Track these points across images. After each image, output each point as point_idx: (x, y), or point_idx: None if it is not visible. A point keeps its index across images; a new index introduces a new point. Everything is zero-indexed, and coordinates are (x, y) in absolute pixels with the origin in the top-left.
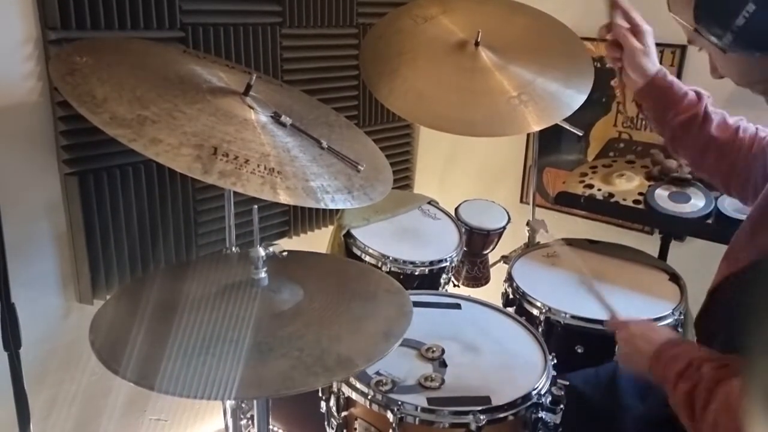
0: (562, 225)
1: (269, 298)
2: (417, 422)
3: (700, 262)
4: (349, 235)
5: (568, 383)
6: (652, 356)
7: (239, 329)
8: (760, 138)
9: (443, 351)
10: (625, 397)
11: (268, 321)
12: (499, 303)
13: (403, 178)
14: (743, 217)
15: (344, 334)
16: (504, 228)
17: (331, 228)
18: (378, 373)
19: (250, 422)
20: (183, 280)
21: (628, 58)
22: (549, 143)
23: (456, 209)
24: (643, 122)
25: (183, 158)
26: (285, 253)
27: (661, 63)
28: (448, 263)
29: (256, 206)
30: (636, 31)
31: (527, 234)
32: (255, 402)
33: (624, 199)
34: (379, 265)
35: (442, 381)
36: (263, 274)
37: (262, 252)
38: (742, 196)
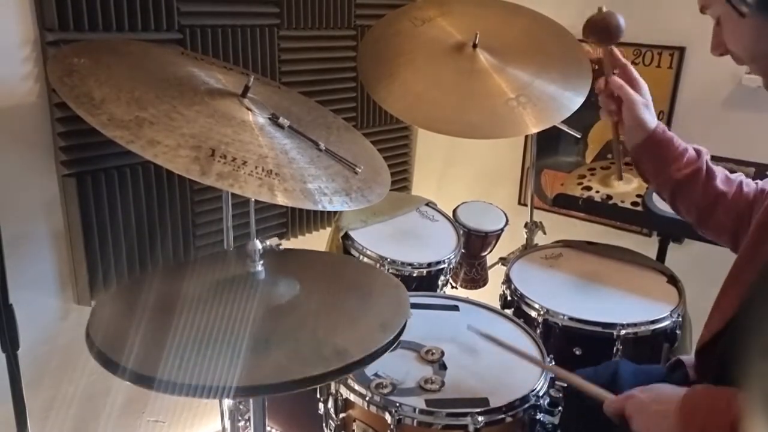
0: (560, 227)
1: (266, 293)
2: (415, 424)
3: (698, 265)
4: (347, 236)
5: (566, 385)
6: (684, 407)
7: (236, 324)
8: (759, 190)
9: (443, 353)
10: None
11: (265, 315)
12: (497, 305)
13: (401, 180)
14: None
15: (340, 326)
16: (502, 230)
17: (329, 230)
18: (378, 375)
19: (247, 424)
20: (181, 279)
21: (628, 111)
22: (547, 145)
23: (454, 211)
24: None
25: (181, 160)
26: (281, 246)
27: (660, 64)
28: (446, 265)
29: (252, 198)
30: (633, 85)
31: (525, 236)
32: (251, 402)
33: (622, 201)
34: (377, 266)
35: (442, 383)
36: (260, 268)
37: (258, 245)
38: None
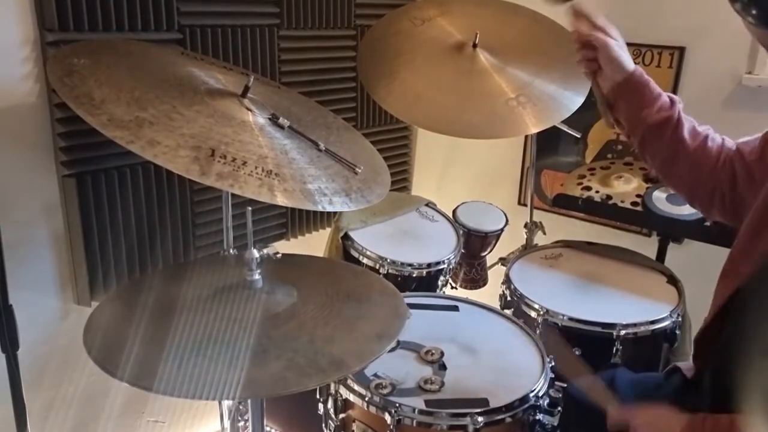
0: (560, 227)
1: (264, 300)
2: (415, 424)
3: (698, 264)
4: (346, 237)
5: (565, 385)
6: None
7: (234, 331)
8: (727, 148)
9: (443, 354)
10: (624, 404)
11: (263, 322)
12: (497, 305)
13: (400, 180)
14: None
15: (338, 335)
16: (502, 230)
17: (329, 230)
18: (377, 376)
19: (247, 424)
20: (179, 281)
21: (604, 53)
22: (547, 145)
23: (454, 211)
24: None
25: (181, 160)
26: (279, 255)
27: (660, 64)
28: (445, 265)
29: (249, 208)
30: (604, 32)
31: (525, 236)
32: (250, 403)
33: (622, 201)
34: (377, 267)
35: (442, 384)
36: (257, 276)
37: (256, 254)
38: (705, 207)
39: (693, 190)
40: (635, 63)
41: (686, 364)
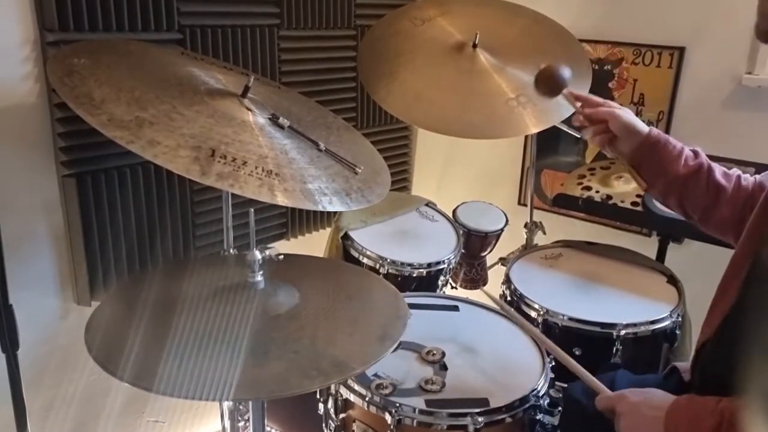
0: (560, 227)
1: (265, 301)
2: (415, 424)
3: (698, 264)
4: (346, 237)
5: (566, 385)
6: (667, 419)
7: (236, 331)
8: (761, 182)
9: (443, 354)
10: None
11: (265, 323)
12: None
13: (400, 180)
14: None
15: (339, 337)
16: (502, 230)
17: (329, 230)
18: (378, 376)
19: (247, 424)
20: (180, 280)
21: (615, 122)
22: (547, 145)
23: (454, 211)
24: None
25: (181, 160)
26: (281, 257)
27: (660, 64)
28: (445, 265)
29: (252, 209)
30: (605, 106)
31: (525, 236)
32: (250, 404)
33: (622, 201)
34: (377, 267)
35: (443, 384)
36: (259, 278)
37: (258, 255)
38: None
39: (740, 232)
40: (635, 63)
41: (685, 365)
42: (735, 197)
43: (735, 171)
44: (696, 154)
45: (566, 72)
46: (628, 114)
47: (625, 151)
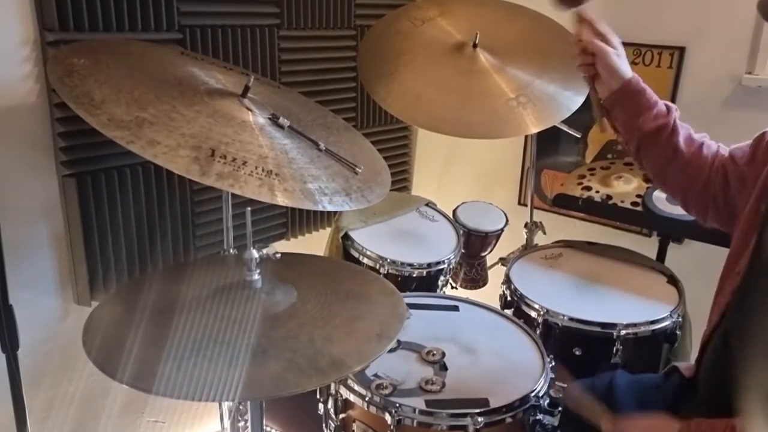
0: (560, 227)
1: (263, 300)
2: (415, 424)
3: (698, 265)
4: (347, 237)
5: (566, 385)
6: None
7: (234, 331)
8: (721, 155)
9: (444, 354)
10: (623, 407)
11: (262, 323)
12: (497, 305)
13: (401, 180)
14: None
15: (337, 335)
16: (502, 230)
17: (329, 230)
18: (378, 377)
19: (247, 424)
20: (179, 281)
21: (602, 60)
22: (547, 145)
23: (454, 211)
24: None
25: (181, 160)
26: (278, 255)
27: (660, 64)
28: (446, 265)
29: (249, 208)
30: (605, 39)
31: (525, 236)
32: (249, 404)
33: (622, 201)
34: (377, 267)
35: (443, 384)
36: (257, 276)
37: (255, 254)
38: (701, 213)
39: (688, 196)
40: (635, 63)
41: (685, 365)
42: (690, 163)
43: (702, 137)
44: (668, 110)
45: None
46: (617, 56)
47: (602, 92)
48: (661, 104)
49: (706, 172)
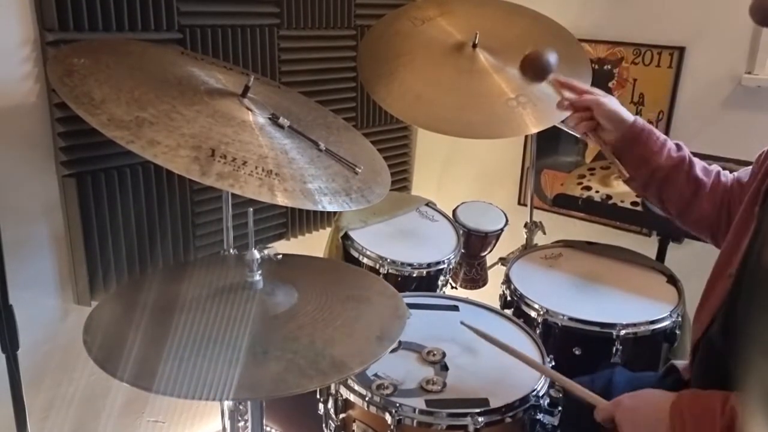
0: (560, 227)
1: (264, 301)
2: (415, 424)
3: (698, 264)
4: (346, 237)
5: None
6: (672, 417)
7: (235, 331)
8: (739, 178)
9: (444, 354)
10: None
11: (263, 323)
12: (497, 305)
13: (400, 180)
14: None
15: (338, 336)
16: (502, 230)
17: (329, 230)
18: (379, 377)
19: (247, 424)
20: (179, 281)
21: (600, 110)
22: (547, 145)
23: (454, 211)
24: None
25: (181, 160)
26: (279, 256)
27: (660, 64)
28: (445, 265)
29: (251, 209)
30: (589, 93)
31: (525, 236)
32: (249, 403)
33: (622, 201)
34: (377, 267)
35: (444, 384)
36: (258, 277)
37: (256, 255)
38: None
39: (717, 229)
40: (635, 63)
41: (683, 364)
42: (714, 193)
43: (715, 167)
44: (678, 147)
45: (552, 57)
46: (613, 102)
47: (609, 140)
48: (671, 142)
49: (731, 200)
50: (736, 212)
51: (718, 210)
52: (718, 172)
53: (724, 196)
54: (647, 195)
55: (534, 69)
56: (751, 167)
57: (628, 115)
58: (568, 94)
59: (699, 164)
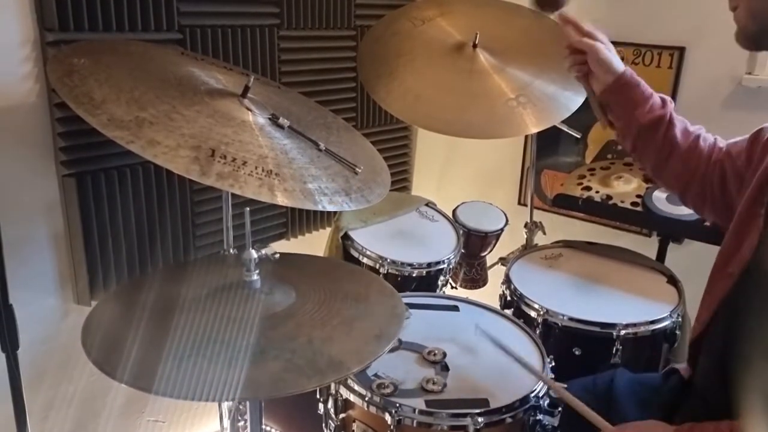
0: (560, 227)
1: (262, 300)
2: (415, 424)
3: (698, 264)
4: (346, 236)
5: (565, 386)
6: None
7: (233, 331)
8: (718, 148)
9: (445, 354)
10: (623, 406)
11: (262, 323)
12: (497, 305)
13: (400, 180)
14: None
15: (336, 336)
16: (502, 230)
17: (329, 230)
18: (379, 377)
19: (247, 424)
20: (179, 281)
21: (593, 56)
22: (547, 145)
23: (454, 211)
24: None
25: (181, 160)
26: (277, 255)
27: (660, 64)
28: (445, 265)
29: (248, 209)
30: (591, 36)
31: (525, 236)
32: (248, 403)
33: (622, 201)
34: (377, 266)
35: (445, 385)
36: (255, 277)
37: (254, 254)
38: (698, 207)
39: (685, 189)
40: (635, 63)
41: (683, 366)
42: (687, 156)
43: (698, 130)
44: (664, 103)
45: None
46: (607, 51)
47: (597, 88)
48: (657, 97)
49: (703, 165)
50: (711, 180)
51: (689, 174)
52: (698, 136)
53: (700, 162)
54: (625, 146)
55: (548, 1)
56: (742, 140)
57: (619, 65)
58: (571, 33)
59: (680, 124)
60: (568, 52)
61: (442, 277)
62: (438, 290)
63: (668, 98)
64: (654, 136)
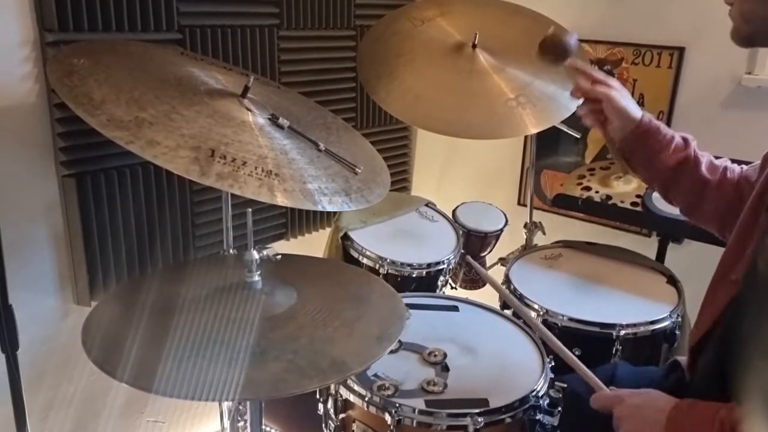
0: (559, 227)
1: (263, 301)
2: (415, 425)
3: (698, 265)
4: (346, 237)
5: (565, 385)
6: (668, 424)
7: (234, 332)
8: (747, 176)
9: (445, 355)
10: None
11: (262, 324)
12: (496, 305)
13: (400, 180)
14: None
15: (337, 337)
16: (501, 230)
17: (329, 230)
18: (379, 377)
19: (247, 424)
20: (179, 281)
21: (609, 105)
22: (547, 145)
23: (453, 211)
24: None
25: (180, 160)
26: (278, 257)
27: (660, 64)
28: (445, 265)
29: (249, 209)
30: (604, 83)
31: (525, 236)
32: (248, 404)
33: (622, 202)
34: (377, 267)
35: (445, 385)
36: (257, 278)
37: (255, 255)
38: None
39: (725, 224)
40: (635, 63)
41: (685, 359)
42: (719, 191)
43: (722, 162)
44: (686, 143)
45: (573, 39)
46: (623, 97)
47: (616, 136)
48: (678, 138)
49: (737, 196)
50: (742, 209)
51: (724, 207)
52: (725, 168)
53: (731, 194)
54: (654, 189)
55: (554, 51)
56: (759, 163)
57: (636, 112)
58: (582, 82)
59: (705, 161)
60: (582, 100)
61: (441, 278)
62: (438, 290)
63: (689, 136)
64: (682, 178)
